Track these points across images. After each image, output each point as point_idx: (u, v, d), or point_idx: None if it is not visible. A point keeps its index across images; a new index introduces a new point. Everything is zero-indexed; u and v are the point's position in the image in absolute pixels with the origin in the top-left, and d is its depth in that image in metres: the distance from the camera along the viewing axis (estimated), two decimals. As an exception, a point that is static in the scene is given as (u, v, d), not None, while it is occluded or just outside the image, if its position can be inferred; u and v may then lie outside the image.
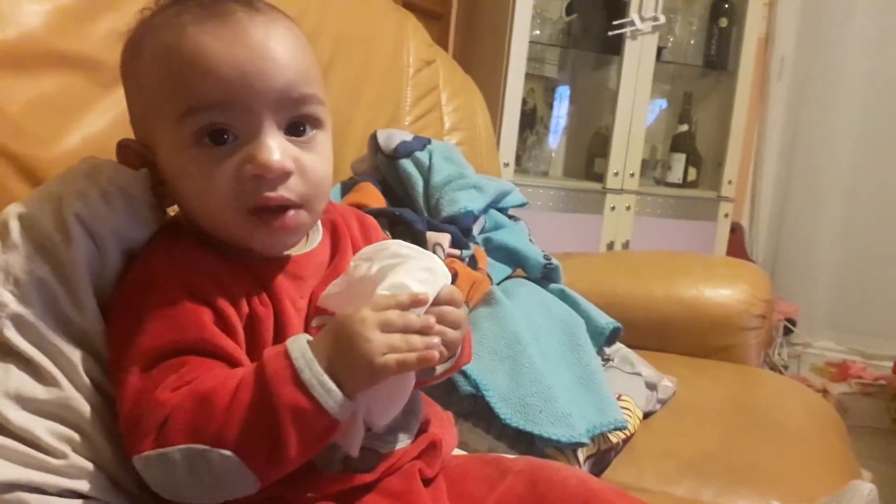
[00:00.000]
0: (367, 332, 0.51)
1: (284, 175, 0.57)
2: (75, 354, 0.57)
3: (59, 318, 0.57)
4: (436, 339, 0.54)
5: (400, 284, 0.55)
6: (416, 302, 0.54)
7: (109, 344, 0.58)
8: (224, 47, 0.56)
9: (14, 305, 0.56)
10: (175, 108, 0.56)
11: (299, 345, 0.52)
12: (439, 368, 0.61)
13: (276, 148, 0.56)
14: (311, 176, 0.59)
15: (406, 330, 0.53)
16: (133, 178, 0.61)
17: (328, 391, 0.50)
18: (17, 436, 0.54)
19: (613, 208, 2.39)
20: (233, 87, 0.55)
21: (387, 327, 0.52)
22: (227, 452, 0.50)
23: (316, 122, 0.60)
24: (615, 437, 0.90)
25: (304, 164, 0.58)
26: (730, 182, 2.51)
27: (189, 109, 0.56)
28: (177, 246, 0.60)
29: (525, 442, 0.84)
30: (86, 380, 0.57)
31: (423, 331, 0.53)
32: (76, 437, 0.56)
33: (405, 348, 0.52)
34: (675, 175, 2.56)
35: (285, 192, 0.57)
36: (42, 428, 0.55)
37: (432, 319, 0.55)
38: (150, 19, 0.61)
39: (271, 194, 0.56)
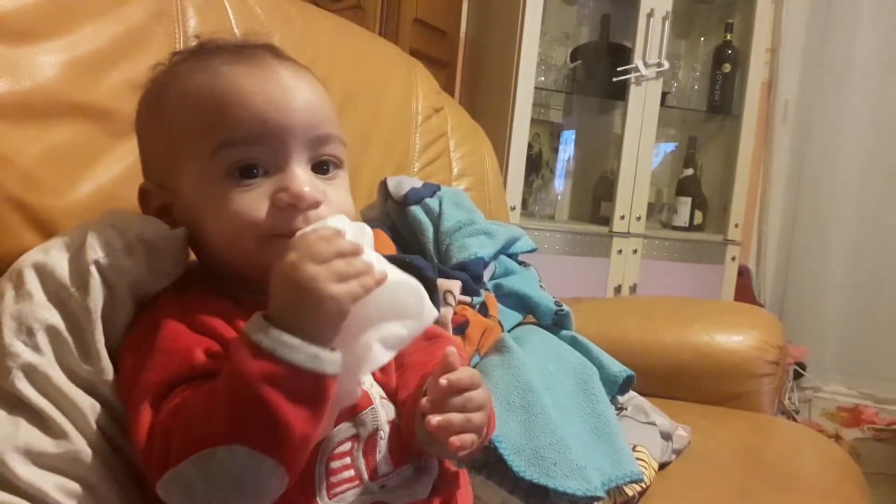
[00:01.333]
0: (304, 270, 0.49)
1: (315, 204, 0.58)
2: (86, 404, 0.57)
3: (69, 368, 0.57)
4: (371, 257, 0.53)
5: (320, 225, 0.55)
6: (337, 234, 0.53)
7: (123, 388, 0.57)
8: (257, 84, 0.59)
9: (26, 355, 0.56)
10: (209, 143, 0.58)
11: (253, 321, 0.50)
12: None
13: (306, 179, 0.59)
14: (337, 208, 0.60)
15: (341, 254, 0.51)
16: (165, 233, 0.61)
17: (292, 347, 0.48)
18: (25, 492, 0.53)
19: (620, 251, 2.39)
20: (267, 121, 0.58)
21: (319, 258, 0.50)
22: (230, 445, 0.48)
23: (338, 163, 0.63)
24: (631, 490, 0.88)
25: (330, 196, 0.60)
26: (736, 225, 2.51)
27: (223, 143, 0.58)
28: (188, 291, 0.61)
29: (539, 495, 0.82)
30: (95, 430, 0.57)
31: (356, 252, 0.52)
32: (83, 491, 0.55)
33: (352, 273, 0.50)
34: (682, 218, 2.56)
35: (315, 221, 0.57)
36: (50, 483, 0.54)
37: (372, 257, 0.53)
38: (175, 66, 0.64)
39: (302, 224, 0.57)
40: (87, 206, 0.71)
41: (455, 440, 0.55)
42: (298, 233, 0.54)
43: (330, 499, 0.56)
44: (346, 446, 0.58)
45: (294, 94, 0.60)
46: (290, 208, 0.57)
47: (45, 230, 0.67)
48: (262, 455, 0.48)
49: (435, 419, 0.54)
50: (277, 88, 0.59)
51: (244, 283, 0.60)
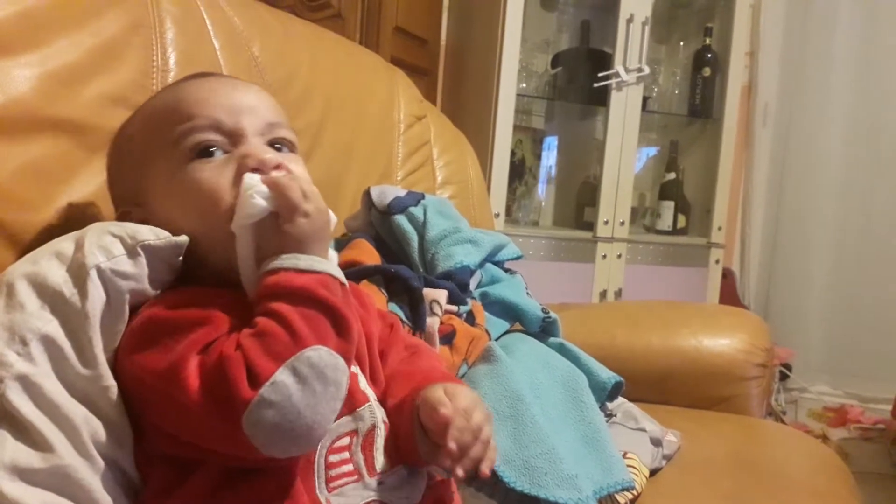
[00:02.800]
0: (309, 205, 0.59)
1: (279, 166, 0.63)
2: (79, 416, 0.56)
3: (64, 377, 0.56)
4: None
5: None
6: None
7: (147, 376, 0.56)
8: (212, 89, 0.66)
9: (19, 365, 0.55)
10: (170, 135, 0.63)
11: (273, 259, 0.57)
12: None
13: (266, 147, 0.65)
14: (297, 178, 0.62)
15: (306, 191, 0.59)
16: (167, 239, 0.61)
17: (323, 262, 0.57)
18: (11, 510, 0.52)
19: (605, 257, 2.39)
20: (223, 111, 0.64)
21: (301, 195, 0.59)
22: (314, 346, 0.52)
23: (291, 147, 0.69)
24: (623, 498, 0.87)
25: (291, 168, 0.64)
26: (719, 228, 2.52)
27: (184, 132, 0.63)
28: (181, 287, 0.63)
29: (530, 506, 0.81)
30: (88, 443, 0.56)
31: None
32: (71, 506, 0.54)
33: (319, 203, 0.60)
34: (665, 223, 2.56)
35: None
36: (38, 500, 0.53)
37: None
38: (138, 108, 0.71)
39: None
40: (64, 221, 0.70)
41: (463, 467, 0.58)
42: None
43: (329, 492, 0.57)
44: (345, 440, 0.59)
45: (242, 94, 0.67)
46: (256, 172, 0.61)
47: (20, 246, 0.66)
48: (336, 353, 0.54)
49: (460, 471, 0.58)
50: (228, 91, 0.66)
51: (223, 282, 0.61)
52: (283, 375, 0.51)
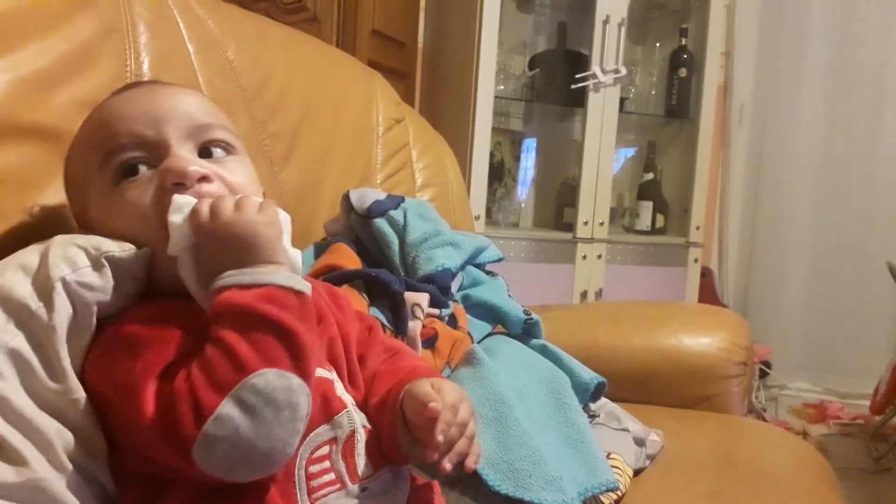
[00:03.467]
0: (224, 220, 0.56)
1: (203, 178, 0.60)
2: (51, 430, 0.55)
3: (33, 391, 0.55)
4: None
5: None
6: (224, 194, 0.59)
7: (109, 392, 0.55)
8: (132, 101, 0.64)
9: None
10: (96, 160, 0.62)
11: (219, 279, 0.54)
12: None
13: (189, 158, 0.61)
14: (232, 184, 0.62)
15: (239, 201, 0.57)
16: (131, 251, 0.60)
17: (270, 272, 0.54)
18: (-15, 525, 0.51)
19: (585, 257, 2.39)
20: (140, 124, 0.62)
21: (230, 206, 0.57)
22: (259, 371, 0.50)
23: (228, 148, 0.66)
24: (607, 499, 0.87)
25: (222, 175, 0.62)
26: (697, 228, 2.53)
27: (106, 154, 0.61)
28: (147, 302, 0.61)
29: (515, 509, 0.80)
30: (62, 457, 0.55)
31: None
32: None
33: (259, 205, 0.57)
34: (644, 223, 2.58)
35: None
36: (12, 515, 0.52)
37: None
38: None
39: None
40: (36, 229, 0.69)
41: (450, 462, 0.58)
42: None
43: (312, 503, 0.56)
44: (325, 450, 0.58)
45: (163, 98, 0.64)
46: (179, 188, 0.59)
47: (-8, 256, 0.65)
48: (287, 372, 0.51)
49: (448, 464, 0.58)
50: (147, 98, 0.64)
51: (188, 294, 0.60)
52: (227, 408, 0.49)
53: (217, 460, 0.49)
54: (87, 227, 0.65)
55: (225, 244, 0.55)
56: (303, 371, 0.52)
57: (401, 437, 0.60)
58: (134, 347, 0.55)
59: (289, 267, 0.56)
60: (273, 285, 0.53)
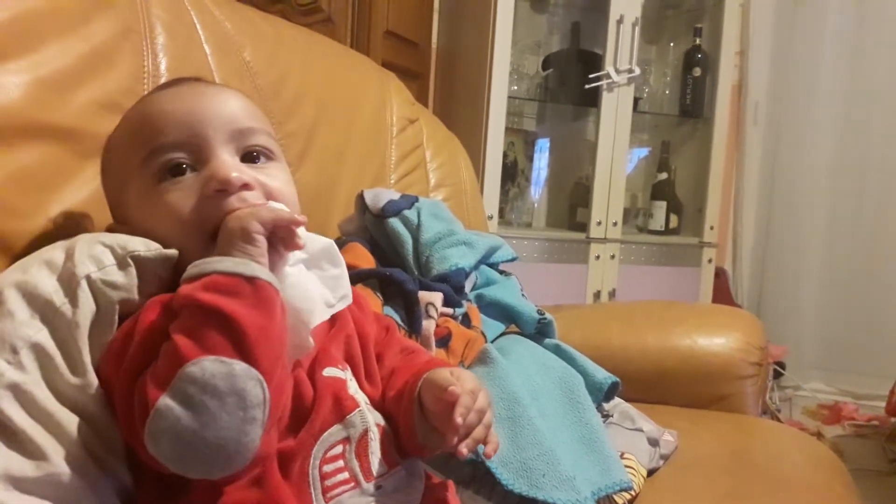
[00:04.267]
0: (231, 215, 0.57)
1: (245, 187, 0.61)
2: (72, 424, 0.55)
3: (55, 385, 0.56)
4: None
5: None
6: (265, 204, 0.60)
7: (109, 387, 0.56)
8: (178, 100, 0.64)
9: (10, 374, 0.54)
10: (138, 155, 0.62)
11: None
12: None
13: (233, 165, 0.62)
14: (274, 195, 0.63)
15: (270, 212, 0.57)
16: (157, 251, 0.61)
17: (218, 261, 0.53)
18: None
19: (598, 257, 2.39)
20: (185, 124, 0.62)
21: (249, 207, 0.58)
22: (196, 359, 0.49)
23: (269, 154, 0.66)
24: (621, 499, 0.87)
25: (264, 182, 0.63)
26: (711, 228, 2.52)
27: (150, 152, 0.62)
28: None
29: (529, 508, 0.81)
30: (81, 450, 0.55)
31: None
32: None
33: (267, 210, 0.57)
34: (657, 223, 2.57)
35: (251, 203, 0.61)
36: (31, 508, 0.52)
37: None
38: (123, 115, 0.69)
39: (238, 205, 0.60)
40: (56, 229, 0.70)
41: (467, 447, 0.58)
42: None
43: (327, 502, 0.56)
44: (338, 449, 0.58)
45: (209, 98, 0.65)
46: (221, 194, 0.60)
47: (11, 254, 0.66)
48: (229, 359, 0.49)
49: (464, 449, 0.58)
50: (193, 96, 0.64)
51: None
52: (164, 401, 0.48)
53: (166, 454, 0.49)
54: (121, 220, 0.66)
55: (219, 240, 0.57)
56: (248, 356, 0.50)
57: (417, 425, 0.60)
58: (128, 345, 0.55)
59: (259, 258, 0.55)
60: (217, 273, 0.52)
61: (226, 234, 0.56)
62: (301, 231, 0.58)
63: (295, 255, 0.59)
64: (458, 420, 0.56)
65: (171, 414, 0.48)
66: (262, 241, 0.55)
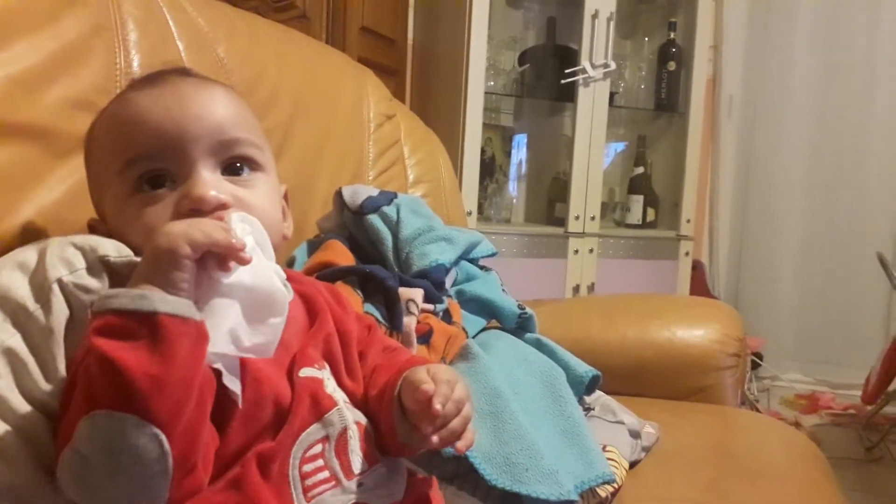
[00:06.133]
0: (162, 229, 0.51)
1: (220, 206, 0.58)
2: (42, 428, 0.54)
3: (27, 391, 0.55)
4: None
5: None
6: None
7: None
8: (156, 101, 0.60)
9: None
10: (116, 164, 0.60)
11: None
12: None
13: (210, 183, 0.59)
14: (251, 211, 0.59)
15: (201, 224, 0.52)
16: (128, 256, 0.60)
17: (115, 296, 0.48)
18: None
19: (577, 252, 2.40)
20: (166, 134, 0.59)
21: (185, 223, 0.52)
22: (90, 414, 0.46)
23: (254, 165, 0.63)
24: (604, 492, 0.87)
25: (242, 198, 0.60)
26: (688, 221, 2.54)
27: (127, 161, 0.59)
28: None
29: (512, 502, 0.81)
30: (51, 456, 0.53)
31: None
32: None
33: (202, 231, 0.51)
34: (635, 216, 2.59)
35: None
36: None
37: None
38: (105, 106, 0.66)
39: None
40: (29, 229, 0.69)
41: (440, 437, 0.57)
42: None
43: (308, 501, 0.56)
44: (318, 448, 0.58)
45: (192, 103, 0.61)
46: (195, 213, 0.57)
47: (-16, 256, 0.64)
48: (120, 413, 0.45)
49: (436, 438, 0.57)
50: (174, 102, 0.60)
51: None
52: (66, 452, 0.48)
53: (75, 499, 0.48)
54: (101, 217, 0.65)
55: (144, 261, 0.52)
56: (140, 409, 0.45)
57: (398, 425, 0.59)
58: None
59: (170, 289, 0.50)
60: (111, 311, 0.47)
61: (151, 251, 0.50)
62: (234, 222, 0.55)
63: (248, 242, 0.55)
64: (438, 407, 0.55)
65: (70, 467, 0.47)
66: (188, 265, 0.50)
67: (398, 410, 0.59)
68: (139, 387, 0.45)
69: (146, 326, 0.47)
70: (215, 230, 0.51)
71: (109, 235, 0.62)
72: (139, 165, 0.59)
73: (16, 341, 0.55)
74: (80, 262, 0.58)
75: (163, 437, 0.46)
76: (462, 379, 0.61)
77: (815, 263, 2.87)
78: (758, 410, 2.46)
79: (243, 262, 0.52)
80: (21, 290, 0.56)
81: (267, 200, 0.63)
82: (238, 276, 0.53)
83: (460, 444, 0.59)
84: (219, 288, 0.53)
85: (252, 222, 0.57)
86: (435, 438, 0.57)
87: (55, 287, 0.56)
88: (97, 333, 0.46)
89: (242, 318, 0.53)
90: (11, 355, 0.55)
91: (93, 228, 0.65)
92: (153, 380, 0.46)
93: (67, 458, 0.47)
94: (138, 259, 0.59)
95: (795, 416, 2.56)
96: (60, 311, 0.56)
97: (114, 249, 0.59)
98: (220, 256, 0.52)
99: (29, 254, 0.59)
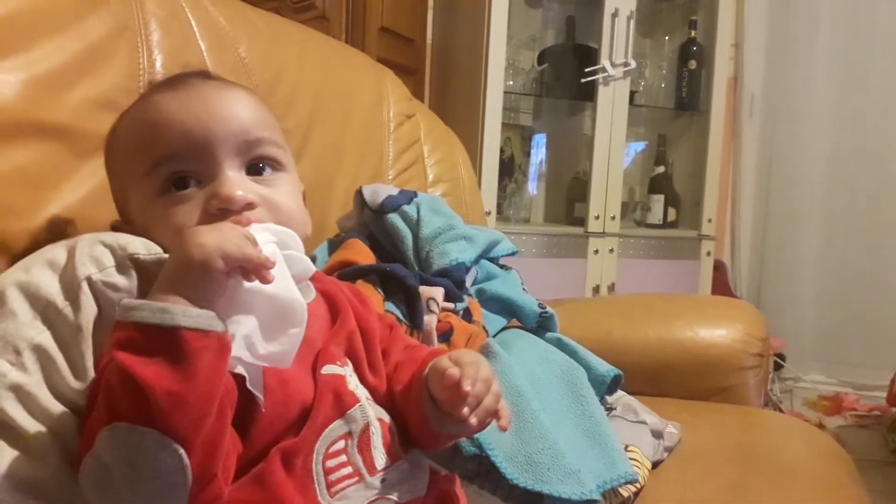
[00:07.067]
0: (194, 237, 0.50)
1: (248, 206, 0.59)
2: (71, 425, 0.55)
3: (56, 388, 0.55)
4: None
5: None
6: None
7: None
8: (181, 104, 0.61)
9: (12, 375, 0.54)
10: (142, 165, 0.61)
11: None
12: None
13: (237, 183, 0.60)
14: (278, 209, 0.61)
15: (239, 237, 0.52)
16: (158, 253, 0.60)
17: (138, 308, 0.47)
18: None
19: (597, 251, 2.39)
20: (192, 136, 0.60)
21: (217, 232, 0.51)
22: (111, 426, 0.46)
23: (276, 165, 0.65)
24: (626, 492, 0.87)
25: (268, 198, 0.61)
26: (709, 220, 2.52)
27: (154, 163, 0.60)
28: None
29: (534, 502, 0.80)
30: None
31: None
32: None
33: (235, 245, 0.51)
34: (655, 216, 2.57)
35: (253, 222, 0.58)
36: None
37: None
38: (126, 109, 0.67)
39: None
40: (53, 228, 0.69)
41: (477, 417, 0.58)
42: None
43: (332, 497, 0.56)
44: (340, 444, 0.58)
45: (216, 105, 0.62)
46: (223, 213, 0.59)
47: (9, 254, 0.65)
48: (141, 427, 0.45)
49: (474, 419, 0.58)
50: (199, 104, 0.61)
51: None
52: (87, 459, 0.48)
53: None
54: (125, 219, 0.65)
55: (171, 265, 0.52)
56: (161, 424, 0.46)
57: (431, 414, 0.60)
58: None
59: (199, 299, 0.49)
60: (134, 323, 0.47)
61: (182, 260, 0.50)
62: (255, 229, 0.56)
63: (268, 247, 0.55)
64: (468, 388, 0.56)
65: (92, 474, 0.48)
66: (220, 279, 0.50)
67: (429, 401, 0.60)
68: (160, 404, 0.45)
69: (167, 341, 0.46)
70: (246, 245, 0.51)
71: (135, 234, 0.62)
72: (166, 167, 0.60)
73: (45, 338, 0.55)
74: (109, 261, 0.58)
75: (182, 451, 0.46)
76: (485, 360, 0.61)
77: (837, 263, 2.83)
78: (781, 411, 2.44)
79: (267, 281, 0.52)
80: (50, 287, 0.56)
81: (291, 198, 0.64)
82: (259, 283, 0.53)
83: (503, 422, 0.60)
84: (239, 293, 0.53)
85: (278, 232, 0.58)
86: (473, 419, 0.57)
87: (84, 285, 0.57)
88: (118, 347, 0.47)
89: (258, 326, 0.53)
90: (41, 352, 0.55)
91: (116, 229, 0.65)
92: (174, 397, 0.46)
93: (89, 466, 0.48)
94: (166, 256, 0.60)
95: (819, 417, 2.53)
96: (89, 309, 0.56)
97: (143, 247, 0.60)
98: (247, 271, 0.52)
99: (58, 252, 0.59)
